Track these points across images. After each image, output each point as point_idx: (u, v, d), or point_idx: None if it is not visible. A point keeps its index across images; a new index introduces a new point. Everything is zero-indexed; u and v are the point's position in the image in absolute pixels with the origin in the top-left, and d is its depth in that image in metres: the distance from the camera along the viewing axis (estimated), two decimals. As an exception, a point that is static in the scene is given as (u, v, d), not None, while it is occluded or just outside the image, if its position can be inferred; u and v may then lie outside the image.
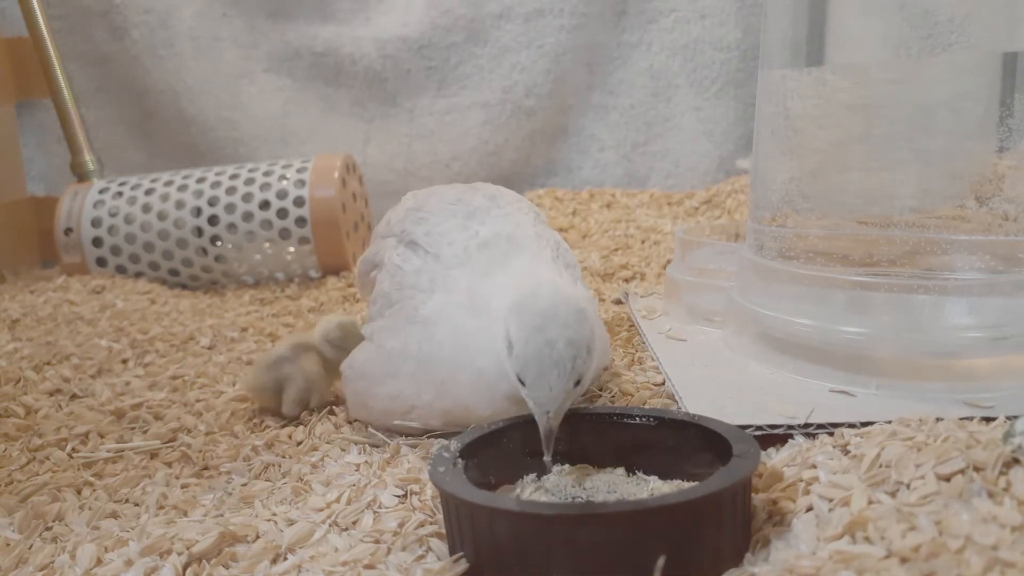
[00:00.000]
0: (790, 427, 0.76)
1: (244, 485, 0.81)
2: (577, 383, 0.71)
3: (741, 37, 2.20)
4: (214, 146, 2.16)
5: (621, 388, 0.93)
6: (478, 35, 2.20)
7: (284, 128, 2.20)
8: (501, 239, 0.87)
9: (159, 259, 1.69)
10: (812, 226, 0.94)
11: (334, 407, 0.97)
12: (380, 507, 0.73)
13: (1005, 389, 0.80)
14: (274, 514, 0.72)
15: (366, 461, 0.82)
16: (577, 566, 0.58)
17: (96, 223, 1.70)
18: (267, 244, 1.68)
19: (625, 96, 2.25)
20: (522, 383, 0.72)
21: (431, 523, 0.69)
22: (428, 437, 0.85)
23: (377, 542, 0.67)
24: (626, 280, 1.48)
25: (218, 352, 1.24)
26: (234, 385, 1.08)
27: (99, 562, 0.68)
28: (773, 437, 0.76)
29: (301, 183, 1.67)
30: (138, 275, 1.71)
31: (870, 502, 0.59)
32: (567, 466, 0.73)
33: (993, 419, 0.69)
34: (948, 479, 0.59)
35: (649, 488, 0.70)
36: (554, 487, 0.71)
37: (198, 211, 1.67)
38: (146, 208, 1.69)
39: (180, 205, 1.68)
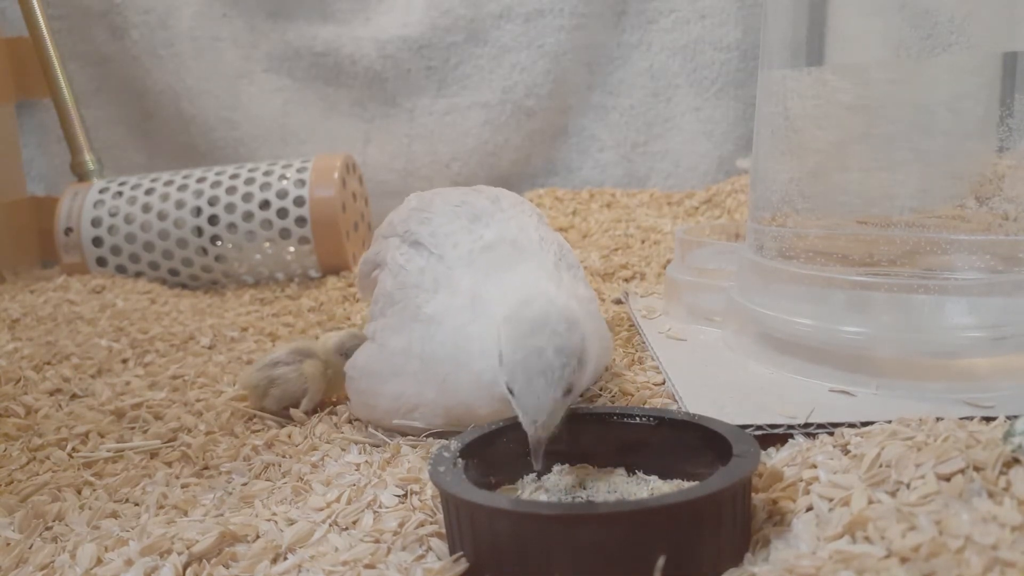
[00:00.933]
0: (790, 427, 0.76)
1: (244, 485, 0.81)
2: (567, 392, 0.70)
3: (741, 37, 2.20)
4: (214, 146, 2.16)
5: (621, 388, 0.93)
6: (478, 35, 2.20)
7: (284, 128, 2.20)
8: (505, 243, 0.87)
9: (159, 259, 1.69)
10: (812, 226, 0.94)
11: (335, 407, 0.97)
12: (380, 507, 0.73)
13: (1005, 389, 0.80)
14: (274, 514, 0.72)
15: (366, 461, 0.82)
16: (577, 566, 0.58)
17: (96, 223, 1.70)
18: (267, 244, 1.68)
19: (625, 96, 2.25)
20: (511, 392, 0.71)
21: (431, 523, 0.69)
22: (427, 437, 0.85)
23: (377, 542, 0.67)
24: (626, 280, 1.48)
25: (218, 352, 1.24)
26: (234, 385, 1.08)
27: (99, 562, 0.68)
28: (773, 437, 0.76)
29: (301, 183, 1.67)
30: (138, 275, 1.71)
31: (870, 502, 0.59)
32: (567, 466, 0.73)
33: (993, 419, 0.69)
34: (948, 479, 0.59)
35: (649, 488, 0.71)
36: (554, 487, 0.71)
37: (198, 211, 1.68)
38: (146, 208, 1.69)
39: (180, 205, 1.68)
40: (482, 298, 0.81)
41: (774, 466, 0.69)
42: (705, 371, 0.92)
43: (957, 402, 0.78)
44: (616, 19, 2.22)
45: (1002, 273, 0.86)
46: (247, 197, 1.67)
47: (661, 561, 0.56)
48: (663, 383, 0.93)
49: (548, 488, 0.71)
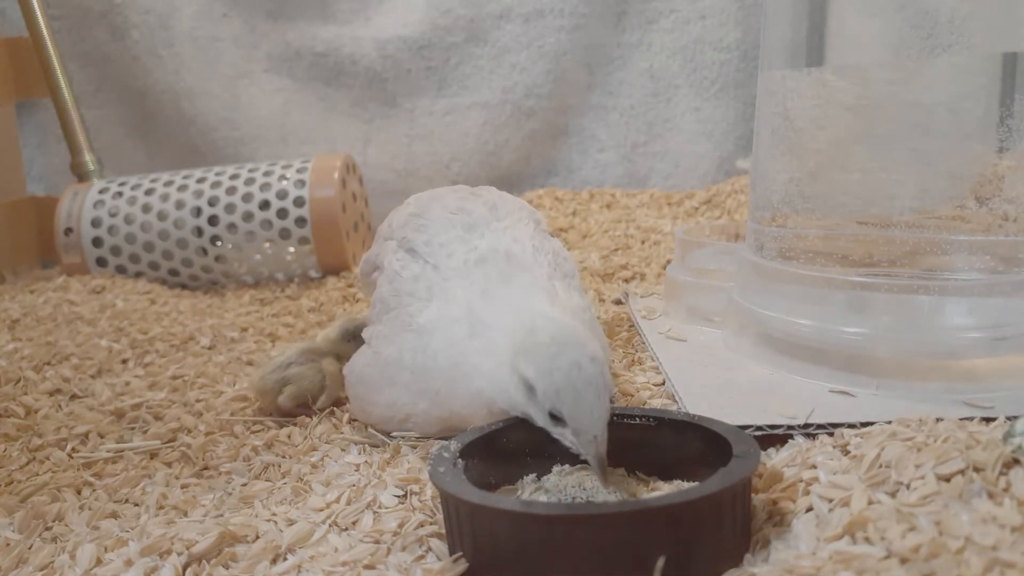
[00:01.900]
0: (790, 427, 0.76)
1: (244, 485, 0.81)
2: (611, 399, 0.69)
3: (741, 37, 2.20)
4: (214, 146, 2.16)
5: (621, 388, 0.93)
6: (478, 35, 2.20)
7: (284, 128, 2.20)
8: (499, 256, 0.87)
9: (159, 259, 1.69)
10: (812, 226, 0.94)
11: (335, 408, 0.97)
12: (380, 507, 0.73)
13: (1005, 389, 0.80)
14: (274, 514, 0.72)
15: (366, 461, 0.82)
16: (577, 567, 0.58)
17: (96, 223, 1.70)
18: (267, 244, 1.68)
19: (625, 96, 2.25)
20: (557, 418, 0.69)
21: (431, 523, 0.69)
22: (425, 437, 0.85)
23: (377, 542, 0.67)
24: (626, 280, 1.48)
25: (218, 352, 1.24)
26: (234, 385, 1.08)
27: (99, 562, 0.68)
28: (773, 437, 0.76)
29: (301, 183, 1.67)
30: (138, 275, 1.71)
31: (870, 502, 0.59)
32: (567, 467, 0.73)
33: (993, 419, 0.69)
34: (948, 479, 0.59)
35: (649, 488, 0.70)
36: (554, 488, 0.70)
37: (198, 211, 1.68)
38: (146, 208, 1.69)
39: (180, 205, 1.68)
40: (477, 314, 0.81)
41: (774, 466, 0.69)
42: (705, 372, 0.92)
43: (957, 403, 0.78)
44: (616, 19, 2.22)
45: (1002, 274, 0.86)
46: (247, 197, 1.67)
47: (661, 562, 0.56)
48: (663, 383, 0.93)
49: (548, 489, 0.70)
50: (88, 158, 1.88)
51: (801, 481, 0.65)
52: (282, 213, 1.66)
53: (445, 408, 0.82)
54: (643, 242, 1.72)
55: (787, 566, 0.56)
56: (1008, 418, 0.68)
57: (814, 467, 0.66)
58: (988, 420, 0.69)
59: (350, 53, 2.17)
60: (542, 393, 0.69)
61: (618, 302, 1.30)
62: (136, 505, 0.80)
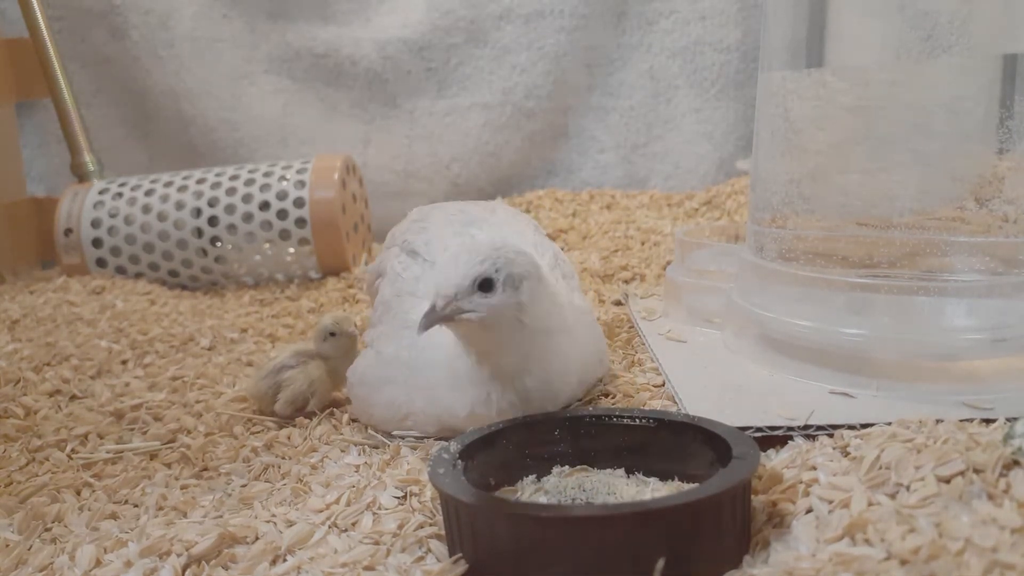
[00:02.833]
0: (790, 428, 0.76)
1: (244, 486, 0.81)
2: (485, 287, 0.72)
3: (741, 38, 2.20)
4: (214, 147, 2.16)
5: (621, 389, 0.93)
6: (478, 36, 2.20)
7: (284, 129, 2.20)
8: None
9: (159, 260, 1.69)
10: (812, 227, 0.94)
11: (335, 408, 0.97)
12: (380, 508, 0.73)
13: (1005, 391, 0.80)
14: (273, 515, 0.72)
15: (366, 462, 0.82)
16: (577, 568, 0.58)
17: (96, 224, 1.70)
18: (267, 245, 1.68)
19: (625, 97, 2.25)
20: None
21: (431, 524, 0.69)
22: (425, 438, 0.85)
23: (377, 543, 0.67)
24: (626, 281, 1.48)
25: (218, 353, 1.24)
26: (234, 386, 1.08)
27: (98, 563, 0.68)
28: (773, 438, 0.76)
29: (301, 184, 1.67)
30: (138, 276, 1.71)
31: (870, 504, 0.59)
32: (567, 468, 0.73)
33: (993, 421, 0.69)
34: (948, 481, 0.59)
35: (649, 490, 0.70)
36: (554, 489, 0.71)
37: (198, 212, 1.67)
38: (146, 209, 1.69)
39: (180, 206, 1.68)
40: None
41: (774, 468, 0.68)
42: (705, 373, 0.92)
43: (957, 404, 0.78)
44: (616, 20, 2.22)
45: (1002, 275, 0.86)
46: (247, 198, 1.67)
47: (660, 563, 0.56)
48: (663, 384, 0.93)
49: (548, 490, 0.71)
50: (88, 159, 1.87)
51: (801, 482, 0.65)
52: (282, 214, 1.66)
53: (436, 402, 0.82)
54: (643, 243, 1.72)
55: (787, 568, 0.56)
56: (1008, 419, 0.68)
57: (814, 468, 0.66)
58: (988, 421, 0.69)
59: (350, 54, 2.17)
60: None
61: (618, 303, 1.30)
62: (136, 506, 0.80)
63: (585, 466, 0.74)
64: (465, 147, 2.22)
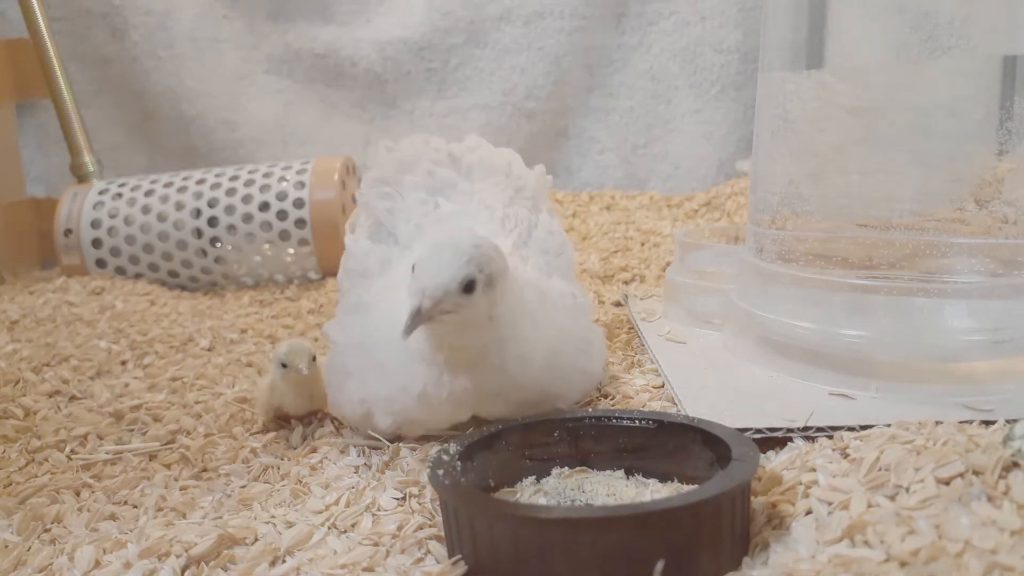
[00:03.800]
0: (789, 430, 0.76)
1: (243, 487, 0.81)
2: (467, 287, 0.70)
3: (741, 39, 2.20)
4: (214, 147, 2.16)
5: (620, 391, 0.92)
6: (478, 37, 2.20)
7: (284, 130, 2.20)
8: (457, 219, 0.85)
9: (159, 260, 1.69)
10: (812, 229, 0.94)
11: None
12: (379, 510, 0.72)
13: (1005, 392, 0.80)
14: (273, 516, 0.72)
15: (365, 463, 0.82)
16: (576, 569, 0.58)
17: (96, 224, 1.70)
18: (267, 246, 1.68)
19: (625, 98, 2.25)
20: (413, 273, 0.71)
21: (430, 526, 0.69)
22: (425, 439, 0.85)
23: (376, 545, 0.67)
24: (626, 282, 1.48)
25: (217, 354, 1.24)
26: (233, 387, 1.08)
27: (98, 564, 0.68)
28: (772, 440, 0.76)
29: (301, 185, 1.67)
30: (137, 276, 1.71)
31: (869, 505, 0.59)
32: (566, 469, 0.73)
33: (993, 422, 0.69)
34: (947, 483, 0.59)
35: (648, 491, 0.70)
36: (553, 490, 0.70)
37: (198, 213, 1.67)
38: (146, 210, 1.69)
39: (180, 207, 1.68)
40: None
41: (773, 469, 0.68)
42: (704, 374, 0.92)
43: (956, 406, 0.78)
44: (616, 21, 2.22)
45: (1002, 276, 0.86)
46: (247, 199, 1.67)
47: (660, 565, 0.56)
48: (662, 386, 0.93)
49: (547, 491, 0.71)
50: (88, 159, 1.87)
51: (800, 484, 0.65)
52: (282, 215, 1.66)
53: (392, 382, 0.79)
54: (643, 244, 1.72)
55: (786, 569, 0.56)
56: (1008, 421, 0.68)
57: (813, 470, 0.66)
58: (988, 423, 0.69)
59: (350, 55, 2.17)
60: (416, 252, 0.72)
61: (618, 304, 1.30)
62: (135, 507, 0.80)
63: (584, 467, 0.74)
64: (465, 148, 2.22)
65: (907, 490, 0.59)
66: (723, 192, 2.05)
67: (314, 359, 0.89)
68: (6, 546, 0.73)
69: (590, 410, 0.81)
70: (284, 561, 0.66)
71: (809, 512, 0.62)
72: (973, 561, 0.52)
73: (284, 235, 1.66)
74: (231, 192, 1.68)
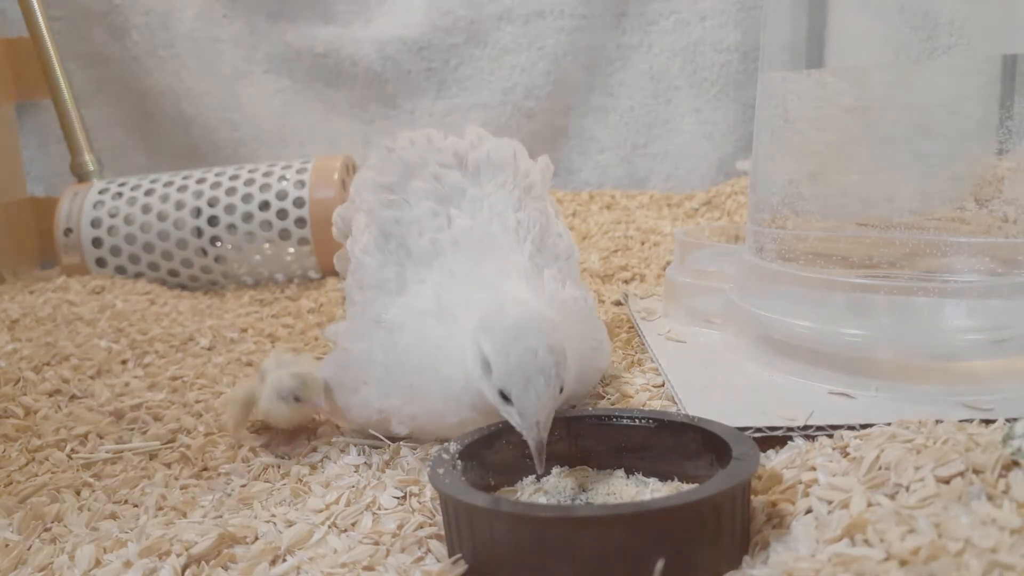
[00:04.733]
0: (789, 429, 0.76)
1: (243, 486, 0.81)
2: (561, 390, 0.70)
3: (741, 39, 2.20)
4: (214, 147, 2.16)
5: (620, 390, 0.93)
6: (478, 37, 2.20)
7: (284, 129, 2.20)
8: (474, 235, 0.85)
9: (159, 260, 1.69)
10: (812, 228, 0.94)
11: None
12: (379, 509, 0.73)
13: (1005, 391, 0.80)
14: (273, 515, 0.72)
15: (365, 462, 0.82)
16: (576, 568, 0.58)
17: (96, 224, 1.70)
18: (267, 245, 1.68)
19: (625, 98, 2.25)
20: (506, 399, 0.70)
21: (430, 525, 0.69)
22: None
23: (376, 544, 0.67)
24: (626, 282, 1.48)
25: (217, 353, 1.24)
26: (233, 386, 1.08)
27: (98, 563, 0.68)
28: (772, 439, 0.76)
29: (301, 184, 1.67)
30: (138, 276, 1.70)
31: (869, 504, 0.59)
32: (566, 468, 0.73)
33: (993, 421, 0.69)
34: (947, 482, 0.59)
35: (648, 490, 0.70)
36: (553, 489, 0.71)
37: (198, 212, 1.67)
38: (146, 209, 1.69)
39: (180, 206, 1.68)
40: (447, 301, 0.80)
41: (773, 468, 0.68)
42: (704, 373, 0.92)
43: (956, 405, 0.78)
44: (616, 20, 2.22)
45: (1002, 275, 0.86)
46: (247, 198, 1.67)
47: (660, 564, 0.56)
48: (662, 385, 0.93)
49: (547, 490, 0.71)
50: (88, 158, 1.87)
51: (800, 483, 0.65)
52: (282, 214, 1.66)
53: (418, 404, 0.80)
54: (643, 243, 1.72)
55: (786, 568, 0.56)
56: (1007, 420, 0.68)
57: (813, 469, 0.66)
58: (988, 422, 0.69)
59: (350, 54, 2.17)
60: (495, 372, 0.70)
61: (618, 303, 1.30)
62: (135, 506, 0.80)
63: (585, 466, 0.74)
64: (465, 147, 2.22)
65: (907, 489, 0.59)
66: (723, 191, 2.05)
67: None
68: (6, 545, 0.73)
69: (590, 409, 0.81)
70: (284, 560, 0.66)
71: (809, 511, 0.62)
72: (973, 560, 0.52)
73: (284, 234, 1.66)
74: (231, 191, 1.68)
